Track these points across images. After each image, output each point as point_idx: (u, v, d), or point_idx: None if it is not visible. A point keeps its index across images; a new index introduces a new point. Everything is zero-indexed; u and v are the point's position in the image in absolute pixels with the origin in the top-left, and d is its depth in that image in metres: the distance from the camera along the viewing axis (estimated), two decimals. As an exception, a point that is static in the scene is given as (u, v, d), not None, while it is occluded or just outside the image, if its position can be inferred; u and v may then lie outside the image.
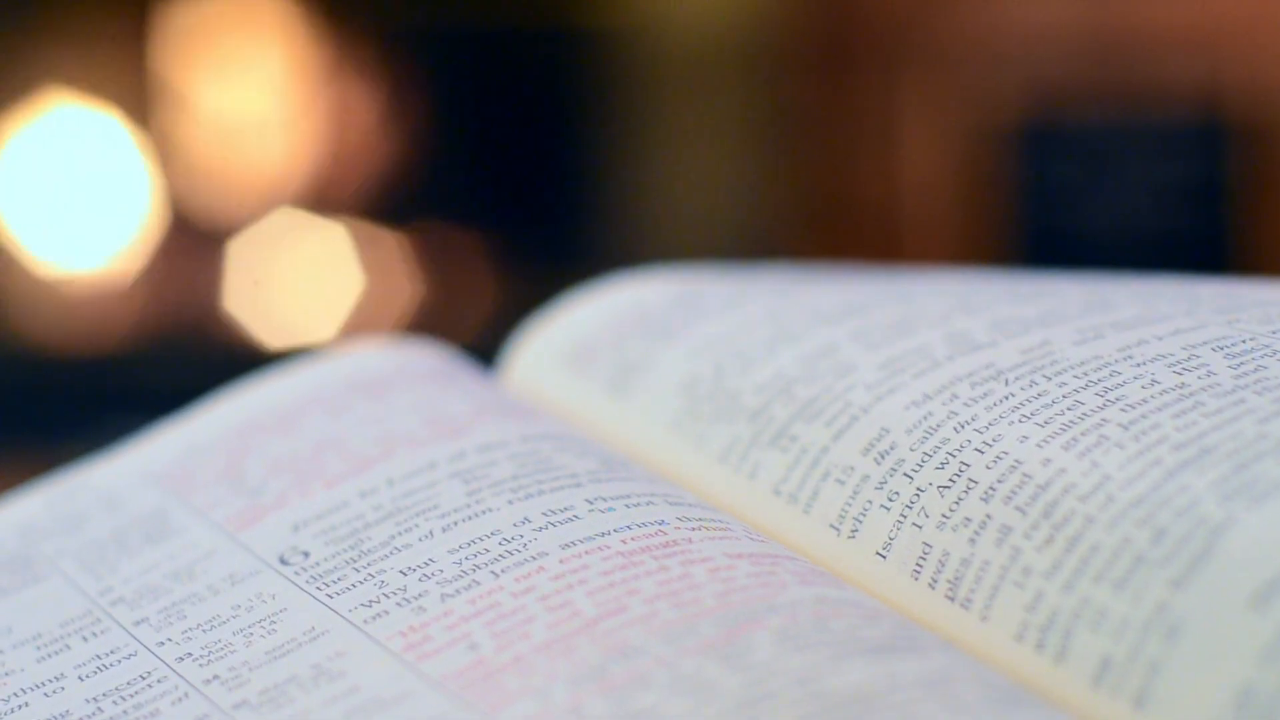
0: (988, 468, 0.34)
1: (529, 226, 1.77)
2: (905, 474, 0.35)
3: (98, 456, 0.43)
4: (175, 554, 0.37)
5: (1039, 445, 0.34)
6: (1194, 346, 0.36)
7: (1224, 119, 1.68)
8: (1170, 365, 0.35)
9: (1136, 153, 1.69)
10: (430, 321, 1.70)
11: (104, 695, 0.34)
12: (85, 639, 0.35)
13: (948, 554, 0.33)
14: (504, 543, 0.35)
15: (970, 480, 0.34)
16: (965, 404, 0.36)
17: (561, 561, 0.34)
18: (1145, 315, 0.38)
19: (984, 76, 1.72)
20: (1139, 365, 0.35)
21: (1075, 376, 0.36)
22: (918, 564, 0.34)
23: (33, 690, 0.34)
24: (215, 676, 0.33)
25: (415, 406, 0.40)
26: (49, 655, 0.35)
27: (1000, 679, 0.30)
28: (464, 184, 1.80)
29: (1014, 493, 0.33)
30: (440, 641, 0.32)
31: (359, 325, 1.71)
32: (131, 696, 0.33)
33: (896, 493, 0.35)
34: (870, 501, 0.35)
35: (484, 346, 0.58)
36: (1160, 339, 0.36)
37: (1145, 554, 0.31)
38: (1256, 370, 0.34)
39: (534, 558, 0.34)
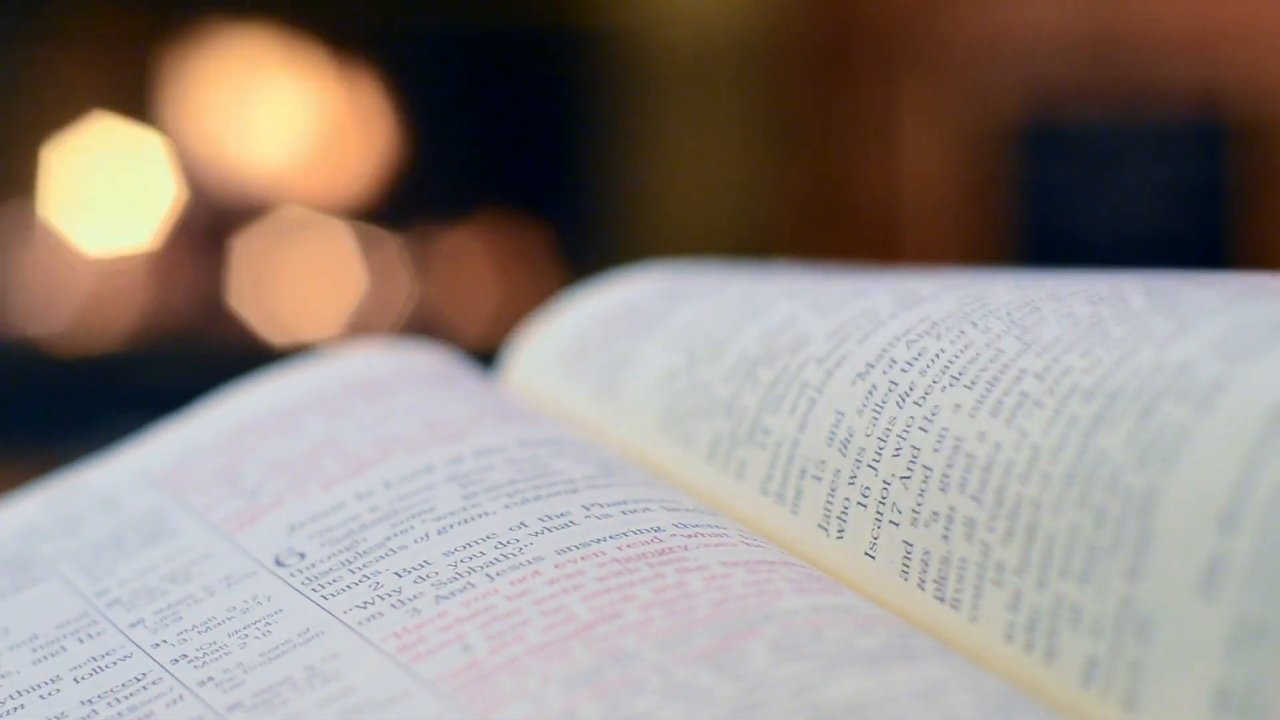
0: (935, 450, 0.34)
1: (529, 227, 1.77)
2: (869, 465, 0.35)
3: (96, 457, 0.43)
4: (172, 555, 0.37)
5: (971, 414, 0.33)
6: (1119, 283, 0.35)
7: (1224, 119, 1.69)
8: (1089, 298, 0.35)
9: (1136, 153, 1.69)
10: (431, 322, 1.70)
11: (99, 697, 0.34)
12: (81, 641, 0.35)
13: (928, 553, 0.33)
14: (499, 546, 0.35)
15: (925, 468, 0.34)
16: (903, 369, 0.35)
17: (557, 566, 0.34)
18: (1084, 274, 0.37)
19: (984, 77, 1.72)
20: (1060, 300, 0.35)
21: (998, 319, 0.35)
22: (904, 564, 0.34)
23: (29, 692, 0.34)
24: (210, 678, 0.33)
25: (413, 409, 0.40)
26: (45, 657, 0.35)
27: (996, 686, 0.30)
28: (464, 185, 1.80)
29: (964, 479, 0.33)
30: (434, 643, 0.32)
31: (359, 326, 1.71)
32: (127, 699, 0.33)
33: (868, 488, 0.35)
34: (848, 499, 0.35)
35: (485, 347, 0.58)
36: (1091, 280, 0.36)
37: (1095, 542, 0.30)
38: (1169, 295, 0.34)
39: (529, 562, 0.34)
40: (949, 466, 0.33)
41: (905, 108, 1.75)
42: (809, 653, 0.30)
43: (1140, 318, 0.33)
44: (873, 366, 0.36)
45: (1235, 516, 0.29)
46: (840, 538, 0.35)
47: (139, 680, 0.34)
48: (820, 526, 0.35)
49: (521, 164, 1.81)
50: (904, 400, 0.35)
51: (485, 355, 0.50)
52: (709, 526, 0.35)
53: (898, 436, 0.34)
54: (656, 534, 0.35)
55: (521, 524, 0.35)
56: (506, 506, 0.36)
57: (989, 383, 0.34)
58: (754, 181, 1.76)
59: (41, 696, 0.34)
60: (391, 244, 1.74)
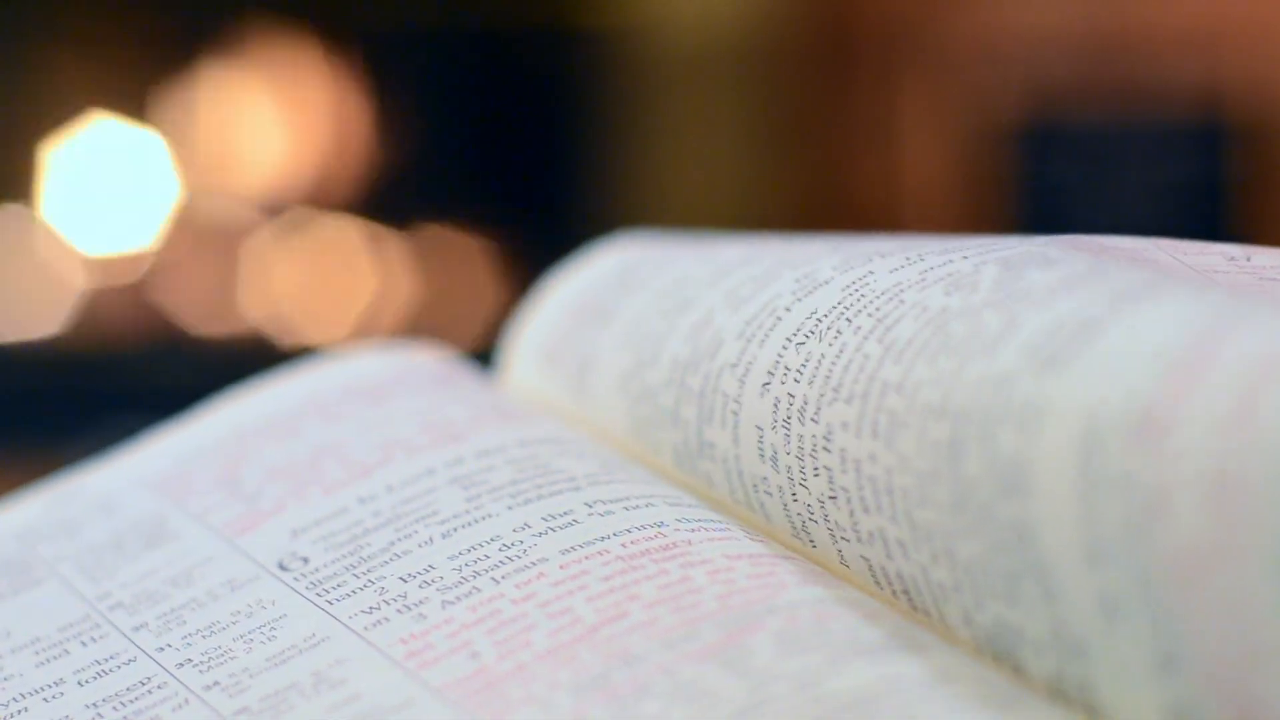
0: (844, 471, 0.33)
1: (530, 226, 1.77)
2: (801, 484, 0.34)
3: (96, 460, 0.43)
4: (174, 559, 0.37)
5: (856, 435, 0.32)
6: (984, 263, 0.33)
7: (1224, 119, 1.68)
8: (947, 286, 0.33)
9: (1136, 153, 1.69)
10: (431, 323, 1.70)
11: (104, 701, 0.34)
12: (84, 644, 0.35)
13: (884, 568, 0.32)
14: (504, 549, 0.34)
15: (842, 489, 0.33)
16: (795, 379, 0.34)
17: (561, 567, 0.34)
18: (976, 241, 0.35)
19: (984, 77, 1.72)
20: (922, 290, 0.33)
21: (868, 315, 0.34)
22: (871, 576, 0.33)
23: (32, 695, 0.34)
24: (215, 683, 0.33)
25: (413, 412, 0.40)
26: (48, 660, 0.35)
27: (999, 677, 0.30)
28: (464, 185, 1.80)
29: (878, 502, 0.32)
30: (441, 649, 0.32)
31: (362, 326, 1.71)
32: (132, 702, 0.33)
33: (810, 505, 0.34)
34: (800, 515, 0.34)
35: (485, 348, 0.58)
36: (966, 257, 0.34)
37: (1005, 568, 0.29)
38: (1013, 279, 0.32)
39: (534, 564, 0.34)
40: (860, 489, 0.32)
41: (905, 108, 1.74)
42: (814, 645, 0.30)
43: (977, 312, 0.32)
44: (772, 375, 0.35)
45: (1098, 553, 0.28)
46: (814, 548, 0.34)
47: (144, 684, 0.34)
48: (795, 537, 0.35)
49: (521, 163, 1.81)
50: (803, 416, 0.34)
51: (485, 356, 0.50)
52: (712, 521, 0.35)
53: (810, 456, 0.33)
54: (660, 529, 0.35)
55: (525, 525, 0.35)
56: (509, 508, 0.36)
57: (862, 397, 0.32)
58: (754, 181, 1.76)
59: (45, 699, 0.34)
60: (392, 244, 1.74)
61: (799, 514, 0.34)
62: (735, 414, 0.36)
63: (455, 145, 1.79)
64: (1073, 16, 1.69)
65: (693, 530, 0.35)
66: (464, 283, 1.74)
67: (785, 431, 0.34)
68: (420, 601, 0.34)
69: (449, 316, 1.72)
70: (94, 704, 0.33)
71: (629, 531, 0.35)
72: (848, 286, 0.35)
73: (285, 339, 1.70)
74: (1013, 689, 0.30)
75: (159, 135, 1.72)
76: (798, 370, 0.34)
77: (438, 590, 0.34)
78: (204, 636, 0.34)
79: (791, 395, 0.34)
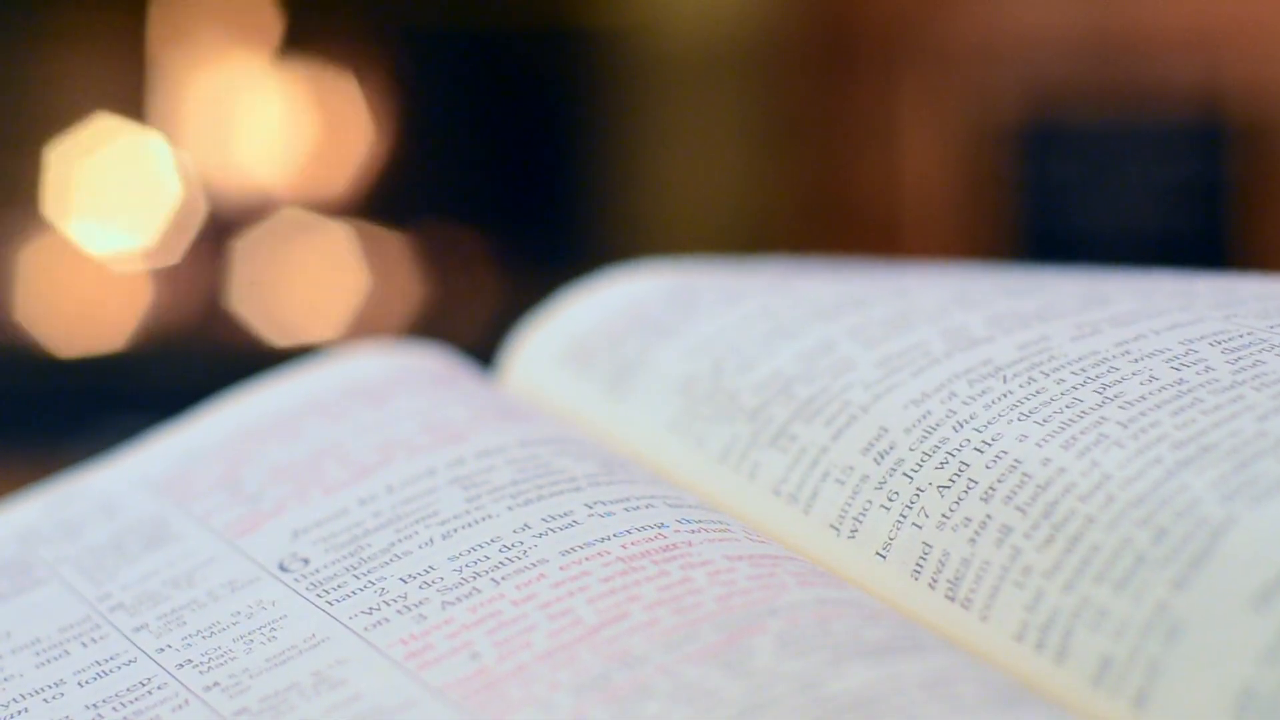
0: (987, 467, 0.34)
1: (529, 227, 1.77)
2: (905, 474, 0.35)
3: (97, 461, 0.43)
4: (174, 560, 0.37)
5: (1038, 444, 0.34)
6: (1191, 341, 0.36)
7: (1224, 119, 1.68)
8: (1168, 360, 0.35)
9: (1136, 153, 1.69)
10: (431, 322, 1.70)
11: (104, 701, 0.34)
12: (85, 645, 0.35)
13: (948, 554, 0.33)
14: (504, 550, 0.34)
15: (970, 480, 0.34)
16: (964, 402, 0.36)
17: (562, 569, 0.34)
18: (1142, 310, 0.38)
19: (984, 76, 1.72)
20: (1136, 361, 0.36)
21: (1073, 373, 0.36)
22: (918, 564, 0.34)
23: (32, 696, 0.34)
24: (216, 683, 0.33)
25: (413, 412, 0.40)
26: (48, 661, 0.35)
27: (1002, 678, 0.31)
28: (464, 184, 1.80)
29: (1014, 493, 0.33)
30: (442, 650, 0.32)
31: (361, 327, 1.71)
32: (132, 703, 0.33)
33: (896, 493, 0.35)
34: (870, 501, 0.35)
35: (485, 347, 0.58)
36: (1157, 334, 0.36)
37: (1146, 554, 0.31)
38: (1254, 365, 0.35)
39: (534, 565, 0.34)
40: (999, 481, 0.34)
41: (905, 108, 1.74)
42: (815, 646, 0.31)
43: (1233, 391, 0.34)
44: (929, 396, 0.37)
45: None
46: (852, 537, 0.35)
47: (144, 685, 0.34)
48: (832, 526, 0.36)
49: (522, 163, 1.81)
50: (962, 425, 0.35)
51: (485, 355, 0.50)
52: (712, 521, 0.35)
53: (947, 453, 0.35)
54: (660, 530, 0.35)
55: (525, 525, 0.35)
56: (510, 508, 0.36)
57: (1064, 423, 0.34)
58: (754, 181, 1.76)
59: (45, 700, 0.34)
60: (392, 244, 1.74)
61: (869, 501, 0.35)
62: (854, 417, 0.37)
63: (455, 145, 1.79)
64: (1073, 16, 1.70)
65: (693, 531, 0.35)
66: (464, 283, 1.74)
67: (925, 435, 0.36)
68: (420, 602, 0.34)
69: (449, 316, 1.72)
70: (94, 704, 0.34)
71: (629, 532, 0.35)
72: (1024, 347, 0.37)
73: (285, 339, 1.70)
74: (1014, 689, 0.30)
75: (160, 136, 1.72)
76: (969, 397, 0.36)
77: (438, 591, 0.34)
78: (204, 637, 0.34)
79: (953, 411, 0.36)
